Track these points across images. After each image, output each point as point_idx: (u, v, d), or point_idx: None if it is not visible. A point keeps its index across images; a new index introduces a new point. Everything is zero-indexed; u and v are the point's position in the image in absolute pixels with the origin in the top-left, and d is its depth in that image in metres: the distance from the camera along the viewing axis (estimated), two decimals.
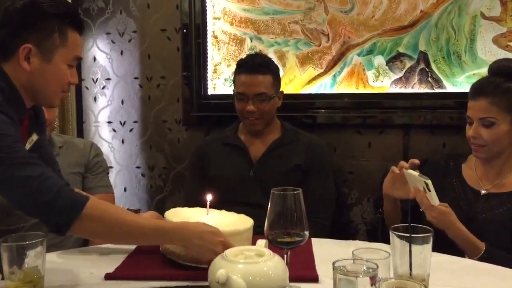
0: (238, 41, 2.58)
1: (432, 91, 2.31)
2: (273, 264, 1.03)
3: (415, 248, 1.12)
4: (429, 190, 1.45)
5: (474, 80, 2.24)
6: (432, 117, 2.29)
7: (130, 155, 2.90)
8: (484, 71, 2.23)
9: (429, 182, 1.43)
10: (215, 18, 2.61)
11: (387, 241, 1.59)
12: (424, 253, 1.13)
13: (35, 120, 1.44)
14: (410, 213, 1.17)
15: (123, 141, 2.91)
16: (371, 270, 0.97)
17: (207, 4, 2.60)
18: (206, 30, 2.62)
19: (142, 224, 1.27)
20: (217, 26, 2.61)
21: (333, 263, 0.99)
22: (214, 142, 2.11)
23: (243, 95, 1.98)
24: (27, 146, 1.39)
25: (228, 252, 1.05)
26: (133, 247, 1.49)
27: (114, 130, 2.91)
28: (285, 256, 1.16)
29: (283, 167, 1.97)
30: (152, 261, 1.37)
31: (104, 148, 2.92)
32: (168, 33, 2.73)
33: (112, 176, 2.92)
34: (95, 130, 2.95)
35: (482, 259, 1.49)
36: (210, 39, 2.63)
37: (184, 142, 2.78)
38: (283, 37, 2.49)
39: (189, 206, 1.56)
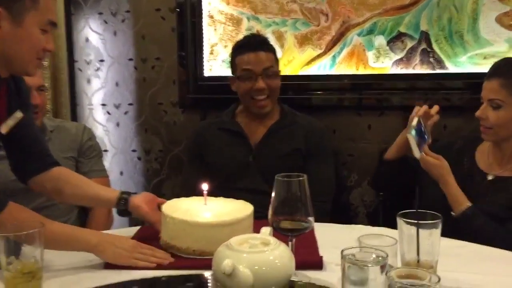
0: (235, 21, 2.51)
1: (434, 71, 2.27)
2: (279, 253, 1.00)
3: (423, 234, 1.10)
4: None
5: (476, 60, 2.22)
6: (433, 98, 2.26)
7: (126, 138, 2.85)
8: (487, 51, 2.20)
9: (408, 136, 1.49)
10: None
11: (388, 224, 1.59)
12: (432, 239, 1.10)
13: (17, 95, 1.39)
14: (418, 198, 1.14)
15: (118, 124, 2.85)
16: (380, 258, 0.94)
17: None
18: (202, 10, 2.55)
19: (54, 231, 1.24)
20: (213, 6, 2.54)
21: (342, 252, 0.96)
22: (211, 127, 2.05)
23: (251, 72, 1.90)
24: (10, 122, 1.35)
25: (232, 241, 1.01)
26: (131, 234, 1.46)
27: (109, 113, 2.86)
28: (289, 243, 1.13)
29: (283, 151, 1.93)
30: None
31: (99, 131, 2.87)
32: (162, 12, 2.66)
33: (108, 160, 2.87)
34: (89, 113, 2.89)
35: (465, 216, 1.54)
36: (206, 19, 2.56)
37: (181, 125, 2.74)
38: (281, 17, 2.43)
39: (187, 192, 1.55)
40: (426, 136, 1.59)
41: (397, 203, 2.04)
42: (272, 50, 1.95)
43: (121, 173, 2.89)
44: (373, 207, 2.42)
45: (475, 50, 2.21)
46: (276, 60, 1.97)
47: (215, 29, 2.56)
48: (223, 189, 1.53)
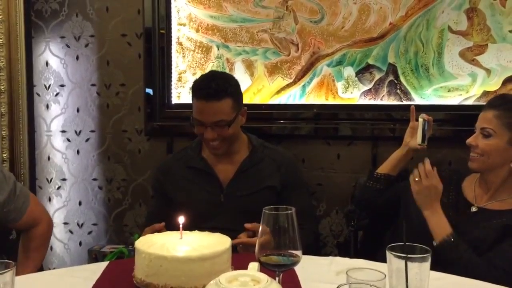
0: (204, 49, 2.49)
1: (401, 103, 2.32)
2: None
3: (412, 268, 1.08)
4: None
5: (441, 93, 2.29)
6: (401, 129, 2.29)
7: (86, 166, 2.73)
8: (451, 84, 2.27)
9: (419, 119, 1.73)
10: (180, 24, 2.51)
11: (361, 256, 1.58)
12: (421, 273, 1.09)
13: None
14: (405, 232, 1.13)
15: (78, 152, 2.73)
16: None
17: (171, 10, 2.49)
18: (171, 37, 2.52)
19: None
20: (182, 33, 2.51)
21: None
22: (178, 164, 1.93)
23: (201, 122, 1.79)
24: None
25: (222, 278, 0.96)
26: (100, 269, 1.37)
27: (69, 140, 2.74)
28: (276, 279, 1.09)
29: (256, 189, 1.85)
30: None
31: (57, 159, 2.74)
32: (128, 38, 2.60)
33: (66, 189, 2.74)
34: (47, 140, 2.75)
35: (447, 243, 1.56)
36: (174, 46, 2.52)
37: (145, 153, 2.65)
38: (251, 46, 2.43)
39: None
40: (426, 137, 1.75)
41: (370, 234, 2.04)
42: (229, 94, 1.77)
43: (80, 203, 2.75)
44: (344, 238, 2.41)
45: (440, 83, 2.28)
46: (235, 103, 1.79)
47: (183, 56, 2.52)
48: (192, 228, 1.44)
